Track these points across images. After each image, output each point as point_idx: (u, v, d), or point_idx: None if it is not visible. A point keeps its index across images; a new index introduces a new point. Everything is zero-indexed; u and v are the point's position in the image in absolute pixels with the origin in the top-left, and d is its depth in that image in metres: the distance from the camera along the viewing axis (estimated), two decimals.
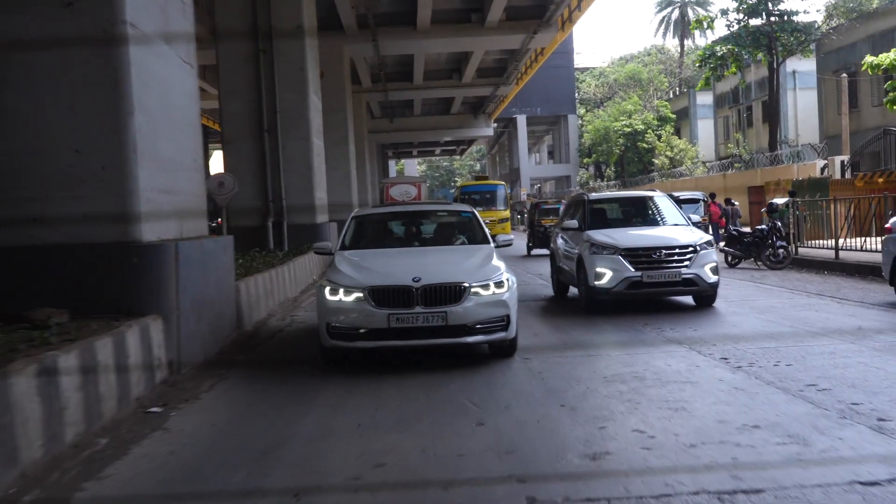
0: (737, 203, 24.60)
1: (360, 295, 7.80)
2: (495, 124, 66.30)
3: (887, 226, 11.86)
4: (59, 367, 5.43)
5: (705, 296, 11.71)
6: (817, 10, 35.97)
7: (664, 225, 12.63)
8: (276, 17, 19.40)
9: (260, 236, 18.42)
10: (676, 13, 65.67)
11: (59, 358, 5.47)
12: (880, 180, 17.57)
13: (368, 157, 51.02)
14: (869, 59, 21.78)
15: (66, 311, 6.84)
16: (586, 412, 6.01)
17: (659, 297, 12.12)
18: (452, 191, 73.61)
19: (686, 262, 11.21)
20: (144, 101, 7.78)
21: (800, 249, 18.24)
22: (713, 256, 11.55)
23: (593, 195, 14.13)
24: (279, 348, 9.77)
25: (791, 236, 18.18)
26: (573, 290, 13.07)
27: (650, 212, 13.27)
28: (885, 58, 20.76)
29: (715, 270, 11.45)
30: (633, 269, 11.19)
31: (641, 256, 11.27)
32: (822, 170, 27.67)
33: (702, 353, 8.06)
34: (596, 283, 11.40)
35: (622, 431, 5.44)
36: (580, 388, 6.81)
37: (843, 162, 26.89)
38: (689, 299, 12.14)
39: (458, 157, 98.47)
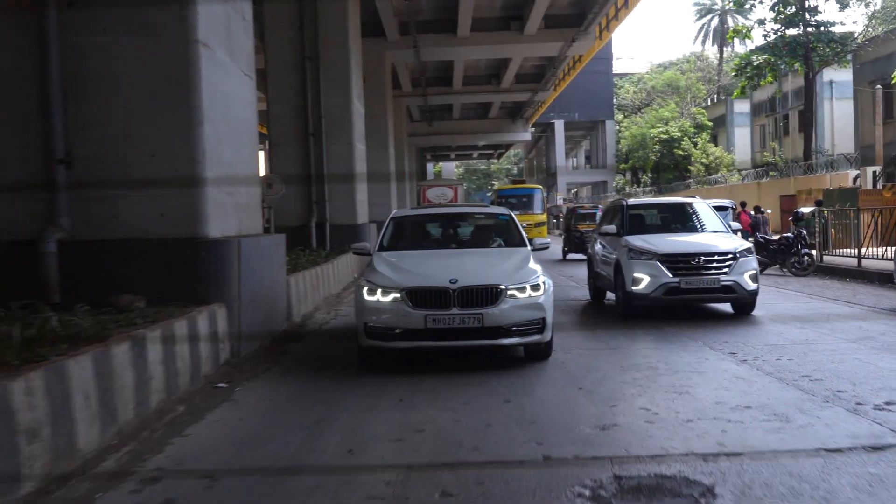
0: (767, 211, 25.12)
1: (398, 295, 7.92)
2: (533, 129, 66.94)
3: None
4: (147, 343, 6.35)
5: (744, 303, 11.69)
6: (853, 22, 36.17)
7: (703, 231, 12.59)
8: (323, 27, 20.27)
9: (303, 236, 19.26)
10: (716, 21, 65.89)
11: (147, 335, 6.40)
12: None
13: (407, 160, 52.01)
14: None
15: (143, 298, 7.79)
16: (601, 394, 6.81)
17: (697, 303, 12.15)
18: (489, 194, 74.27)
19: (725, 269, 11.16)
20: (211, 112, 8.71)
21: (825, 257, 18.80)
22: (753, 264, 11.52)
23: (632, 200, 14.08)
24: (326, 338, 10.65)
25: (817, 244, 18.75)
26: (610, 297, 13.21)
27: (689, 218, 13.20)
28: None
29: (754, 278, 11.39)
30: (671, 275, 11.15)
31: (680, 262, 11.23)
32: (855, 180, 28.07)
33: (713, 349, 8.79)
34: (633, 288, 11.39)
35: (630, 409, 6.24)
36: (598, 375, 7.60)
37: (874, 172, 27.30)
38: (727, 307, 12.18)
39: (495, 161, 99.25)
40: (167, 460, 5.27)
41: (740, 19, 62.27)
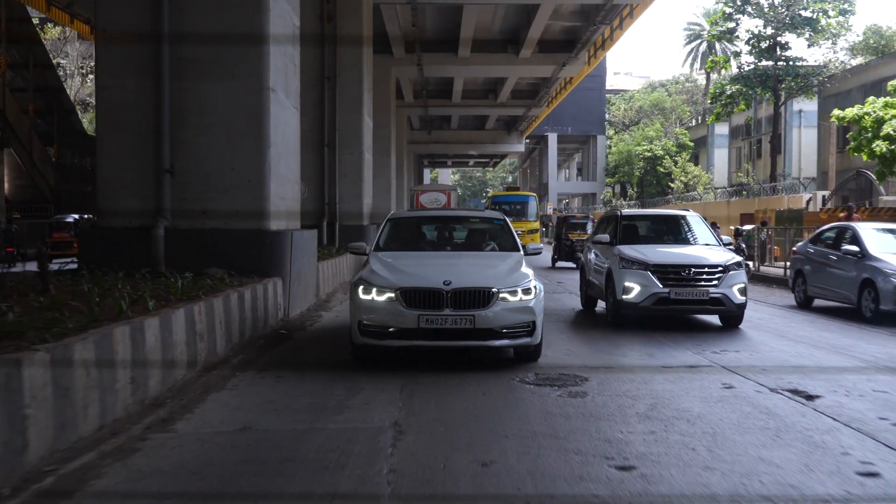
0: (719, 227, 28.45)
1: (392, 295, 8.12)
2: (527, 141, 70.08)
3: (794, 248, 15.77)
4: (243, 297, 9.59)
5: (732, 316, 11.91)
6: (822, 55, 39.37)
7: (695, 244, 12.74)
8: (340, 52, 23.38)
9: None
10: (704, 46, 69.25)
11: (244, 291, 9.65)
12: (841, 214, 21.30)
13: (407, 167, 55.17)
14: (836, 112, 25.60)
15: (225, 271, 10.99)
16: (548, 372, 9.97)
17: (685, 314, 12.45)
18: (483, 200, 77.29)
19: (714, 282, 11.35)
20: (274, 138, 11.93)
21: (762, 268, 22.15)
22: (742, 277, 11.74)
23: (626, 211, 14.11)
24: (346, 312, 13.84)
25: (756, 257, 22.06)
26: (601, 306, 13.42)
27: (682, 230, 13.37)
28: (849, 112, 24.59)
29: (743, 291, 11.61)
30: (661, 286, 11.34)
31: (670, 273, 11.40)
32: (808, 202, 31.38)
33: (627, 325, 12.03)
34: (624, 297, 11.59)
35: (553, 352, 9.46)
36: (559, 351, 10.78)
37: (823, 196, 30.64)
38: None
39: (490, 169, 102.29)
40: (275, 357, 8.62)
41: (728, 46, 65.84)
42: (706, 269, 11.44)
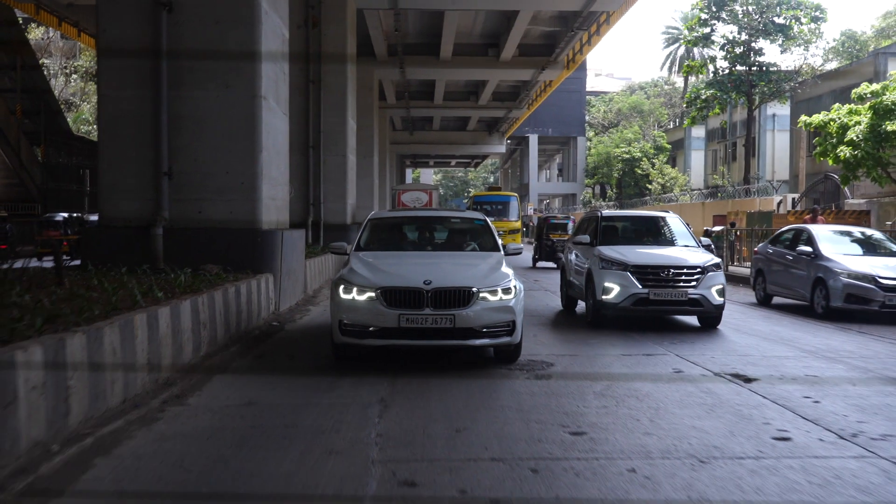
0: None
1: (373, 294, 8.17)
2: (508, 142, 71.11)
3: (755, 249, 16.72)
4: (239, 291, 10.40)
5: (710, 317, 12.08)
6: (794, 60, 40.68)
7: (674, 245, 12.91)
8: (325, 57, 24.16)
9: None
10: (682, 50, 70.40)
11: (243, 285, 10.46)
12: (806, 216, 22.31)
13: (389, 167, 55.98)
14: (803, 118, 26.65)
15: (220, 267, 11.76)
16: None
17: (664, 315, 12.69)
18: (465, 200, 78.26)
19: (693, 283, 11.50)
20: (266, 142, 12.73)
21: (730, 267, 23.12)
22: (721, 279, 11.88)
23: (607, 212, 14.18)
24: None
25: (724, 257, 23.03)
26: (581, 307, 13.60)
27: (662, 232, 13.52)
28: (815, 118, 25.63)
29: (721, 293, 11.78)
30: (640, 286, 11.49)
31: (649, 274, 11.55)
32: (779, 204, 32.46)
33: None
34: (603, 297, 11.72)
35: (526, 342, 10.33)
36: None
37: (793, 199, 31.72)
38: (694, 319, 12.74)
39: (472, 169, 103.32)
40: (270, 345, 9.40)
41: (706, 51, 67.14)
42: (685, 271, 11.60)
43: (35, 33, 50.87)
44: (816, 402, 7.07)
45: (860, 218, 24.54)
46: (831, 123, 24.96)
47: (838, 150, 24.17)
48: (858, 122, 23.99)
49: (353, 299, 8.26)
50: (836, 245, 14.42)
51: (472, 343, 8.21)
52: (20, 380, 4.74)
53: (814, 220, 20.51)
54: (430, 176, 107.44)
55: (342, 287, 8.42)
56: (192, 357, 8.17)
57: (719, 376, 8.21)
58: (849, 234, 15.39)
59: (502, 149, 67.85)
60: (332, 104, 24.50)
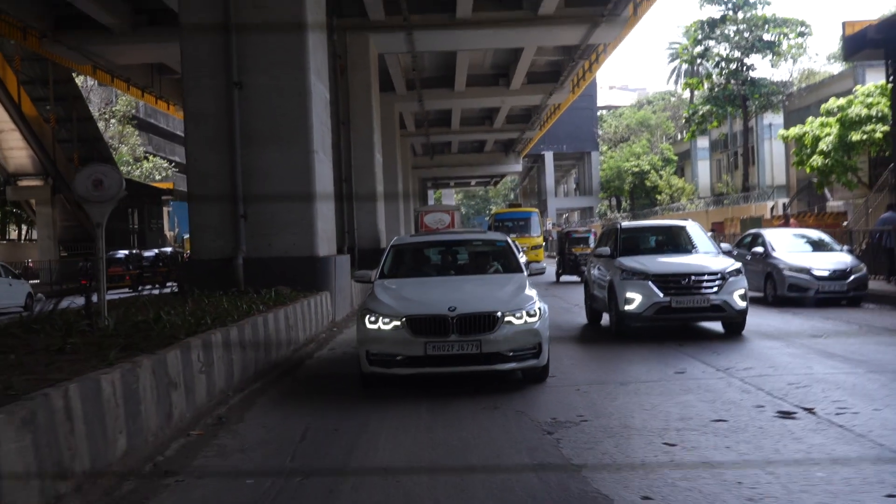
0: None
1: (398, 323, 8.21)
2: (525, 160, 74.21)
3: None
4: (308, 305, 13.67)
5: (734, 322, 12.10)
6: (788, 73, 43.85)
7: (694, 253, 13.02)
8: (353, 100, 27.34)
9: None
10: (686, 64, 73.46)
11: (311, 300, 13.73)
12: (779, 221, 25.36)
13: (412, 190, 59.19)
14: (781, 131, 29.75)
15: (289, 288, 15.02)
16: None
17: (688, 322, 12.77)
18: (487, 218, 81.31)
19: (715, 289, 11.56)
20: (318, 189, 16.01)
21: None
22: (742, 283, 11.94)
23: (626, 224, 14.44)
24: None
25: None
26: (606, 321, 13.62)
27: (681, 240, 13.66)
28: (792, 131, 28.72)
29: (744, 297, 11.83)
30: (661, 295, 11.53)
31: (671, 282, 11.59)
32: (772, 209, 35.42)
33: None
34: (626, 307, 11.77)
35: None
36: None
37: (784, 204, 34.69)
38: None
39: (492, 187, 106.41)
40: (327, 352, 12.63)
41: (708, 65, 70.28)
42: (706, 277, 11.69)
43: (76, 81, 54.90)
44: (718, 353, 10.15)
45: (839, 218, 27.58)
46: (806, 135, 28.00)
47: (811, 160, 27.20)
48: (828, 134, 27.01)
49: (379, 329, 8.35)
50: (790, 246, 17.47)
51: (500, 368, 8.28)
52: (215, 353, 8.01)
53: (786, 224, 23.53)
54: (451, 196, 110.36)
55: (368, 317, 8.53)
56: (285, 350, 11.45)
57: (678, 349, 11.29)
58: (802, 236, 18.46)
59: (519, 168, 70.73)
60: (361, 142, 27.57)
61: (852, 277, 16.02)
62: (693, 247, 13.31)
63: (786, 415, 6.87)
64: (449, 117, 48.34)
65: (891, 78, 19.71)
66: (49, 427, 4.68)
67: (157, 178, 61.07)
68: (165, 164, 62.42)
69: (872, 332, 12.38)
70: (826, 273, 16.04)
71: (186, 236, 57.94)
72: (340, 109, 27.12)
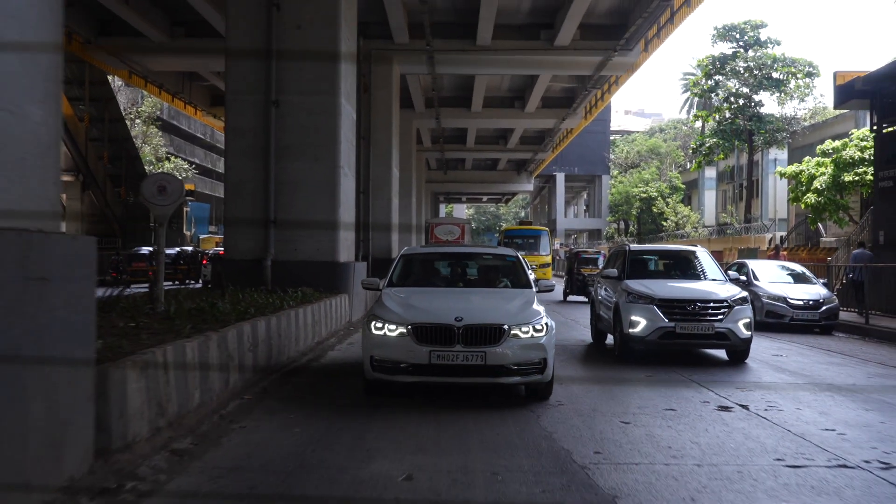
0: None
1: (404, 330, 8.17)
2: (536, 180, 75.81)
3: None
4: (330, 304, 15.26)
5: (738, 350, 12.15)
6: (794, 110, 45.27)
7: (702, 279, 13.06)
8: (374, 116, 28.94)
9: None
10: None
11: (332, 300, 15.33)
12: (771, 252, 26.89)
13: (425, 203, 60.84)
14: (779, 169, 31.32)
15: (312, 289, 16.62)
16: None
17: (691, 348, 12.74)
18: (497, 235, 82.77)
19: (720, 317, 11.55)
20: (342, 199, 17.63)
21: None
22: (748, 313, 11.92)
23: (634, 246, 14.45)
24: None
25: None
26: (611, 340, 13.48)
27: (689, 265, 13.69)
28: (789, 169, 30.30)
29: (748, 326, 11.81)
30: (666, 320, 11.52)
31: (676, 308, 11.59)
32: (770, 241, 36.92)
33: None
34: (630, 330, 11.79)
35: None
36: None
37: (781, 237, 36.20)
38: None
39: (503, 205, 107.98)
40: (346, 346, 14.20)
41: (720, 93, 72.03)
42: (711, 304, 11.68)
43: None
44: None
45: (830, 254, 29.06)
46: (802, 173, 29.55)
47: (805, 197, 28.74)
48: (823, 173, 28.56)
49: (385, 335, 8.30)
50: (769, 276, 19.01)
51: (503, 381, 8.21)
52: (259, 336, 9.63)
53: (776, 256, 25.04)
54: (462, 211, 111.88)
55: (374, 323, 8.48)
56: (311, 342, 13.04)
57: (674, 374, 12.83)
58: (785, 268, 20.03)
59: (530, 187, 72.31)
60: (379, 156, 29.23)
61: (824, 308, 17.58)
62: (701, 273, 13.39)
63: (724, 409, 8.44)
64: (464, 135, 49.93)
65: (874, 127, 21.25)
66: (154, 376, 6.28)
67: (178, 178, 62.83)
68: (186, 166, 64.14)
69: (828, 355, 13.88)
70: (801, 303, 17.59)
71: (203, 236, 59.99)
72: (361, 125, 28.55)
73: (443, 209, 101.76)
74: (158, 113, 62.30)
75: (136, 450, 5.75)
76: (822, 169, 28.77)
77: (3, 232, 4.17)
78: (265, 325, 10.05)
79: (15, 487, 4.27)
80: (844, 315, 18.78)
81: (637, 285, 12.28)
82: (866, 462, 6.27)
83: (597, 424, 7.59)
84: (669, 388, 9.73)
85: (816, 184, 28.42)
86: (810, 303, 17.63)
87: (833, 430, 7.49)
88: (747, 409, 8.48)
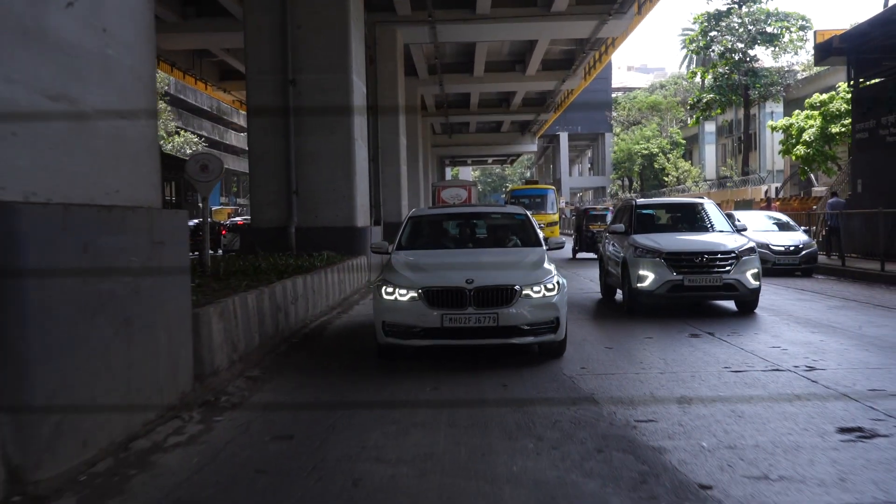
0: None
1: (415, 295, 8.10)
2: (540, 140, 76.91)
3: None
4: (352, 265, 16.84)
5: (746, 301, 12.08)
6: (787, 62, 46.24)
7: (709, 231, 13.01)
8: (381, 87, 30.26)
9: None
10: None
11: (353, 261, 16.93)
12: (762, 203, 28.30)
13: (431, 167, 62.09)
14: (770, 122, 32.63)
15: (333, 252, 18.18)
16: None
17: (700, 300, 12.68)
18: (503, 195, 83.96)
19: (728, 268, 11.50)
20: (357, 168, 19.14)
21: None
22: (756, 263, 11.84)
23: (641, 200, 14.34)
24: None
25: None
26: (620, 295, 13.66)
27: (696, 218, 13.63)
28: (780, 122, 31.60)
29: (756, 276, 11.76)
30: (674, 273, 11.51)
31: (683, 260, 11.55)
32: (766, 193, 38.31)
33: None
34: (638, 285, 11.80)
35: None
36: None
37: (776, 188, 37.59)
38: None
39: (508, 166, 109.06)
40: (368, 301, 15.80)
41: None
42: (719, 256, 11.61)
43: None
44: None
45: (820, 202, 30.47)
46: (792, 126, 30.89)
47: (795, 149, 30.11)
48: (812, 126, 29.89)
49: (396, 300, 8.24)
50: (755, 224, 20.46)
51: (516, 341, 8.16)
52: (298, 292, 11.22)
53: (768, 207, 26.48)
54: (468, 173, 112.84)
55: (385, 288, 8.41)
56: (338, 298, 14.64)
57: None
58: (771, 217, 21.50)
59: (534, 147, 73.36)
60: (388, 125, 30.58)
61: (804, 252, 19.12)
62: (708, 224, 13.31)
63: (694, 336, 10.05)
64: (468, 100, 51.02)
65: (851, 82, 22.58)
66: (228, 319, 7.90)
67: (188, 151, 64.31)
68: (196, 139, 65.48)
69: (800, 293, 15.39)
70: (782, 248, 19.11)
71: (215, 207, 61.50)
72: (369, 95, 30.08)
73: (449, 172, 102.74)
74: (166, 88, 63.56)
75: (221, 376, 7.40)
76: (811, 122, 30.06)
77: (138, 209, 5.75)
78: (302, 283, 11.65)
79: (153, 393, 5.90)
80: (825, 259, 20.29)
81: (644, 239, 12.28)
82: (795, 367, 7.89)
83: (585, 349, 9.18)
84: (651, 321, 11.32)
85: (805, 136, 29.74)
86: (791, 248, 19.13)
87: (778, 347, 9.12)
88: (713, 335, 10.07)
